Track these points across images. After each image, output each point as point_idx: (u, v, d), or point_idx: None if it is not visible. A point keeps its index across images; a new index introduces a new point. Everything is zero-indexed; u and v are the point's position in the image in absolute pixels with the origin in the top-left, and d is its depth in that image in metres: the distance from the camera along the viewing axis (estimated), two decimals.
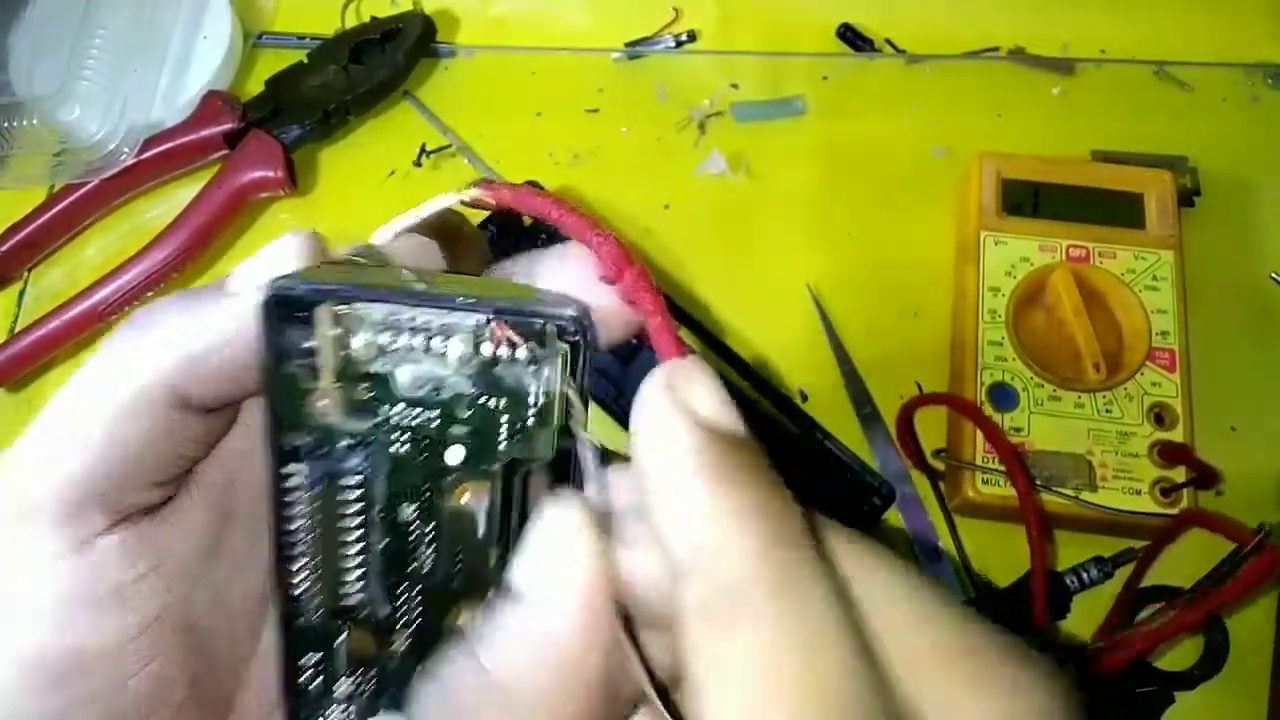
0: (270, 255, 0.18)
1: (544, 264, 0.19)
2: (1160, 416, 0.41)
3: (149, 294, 0.46)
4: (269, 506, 0.17)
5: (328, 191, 0.50)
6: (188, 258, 0.46)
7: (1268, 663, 0.39)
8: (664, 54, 0.53)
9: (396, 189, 0.50)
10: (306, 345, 0.17)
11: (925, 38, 0.53)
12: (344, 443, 0.17)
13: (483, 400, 0.17)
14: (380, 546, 0.18)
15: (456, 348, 0.17)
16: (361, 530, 0.18)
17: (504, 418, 0.17)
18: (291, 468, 0.17)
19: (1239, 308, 0.46)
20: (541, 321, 0.17)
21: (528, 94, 0.52)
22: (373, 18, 0.52)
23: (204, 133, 0.48)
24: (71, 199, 0.48)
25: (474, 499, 0.17)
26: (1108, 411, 0.41)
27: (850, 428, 0.44)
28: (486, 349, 0.17)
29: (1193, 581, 0.37)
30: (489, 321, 0.17)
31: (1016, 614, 0.39)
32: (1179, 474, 0.40)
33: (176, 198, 0.50)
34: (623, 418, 0.41)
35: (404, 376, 0.17)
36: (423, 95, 0.52)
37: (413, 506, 0.18)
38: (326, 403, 0.17)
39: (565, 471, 0.18)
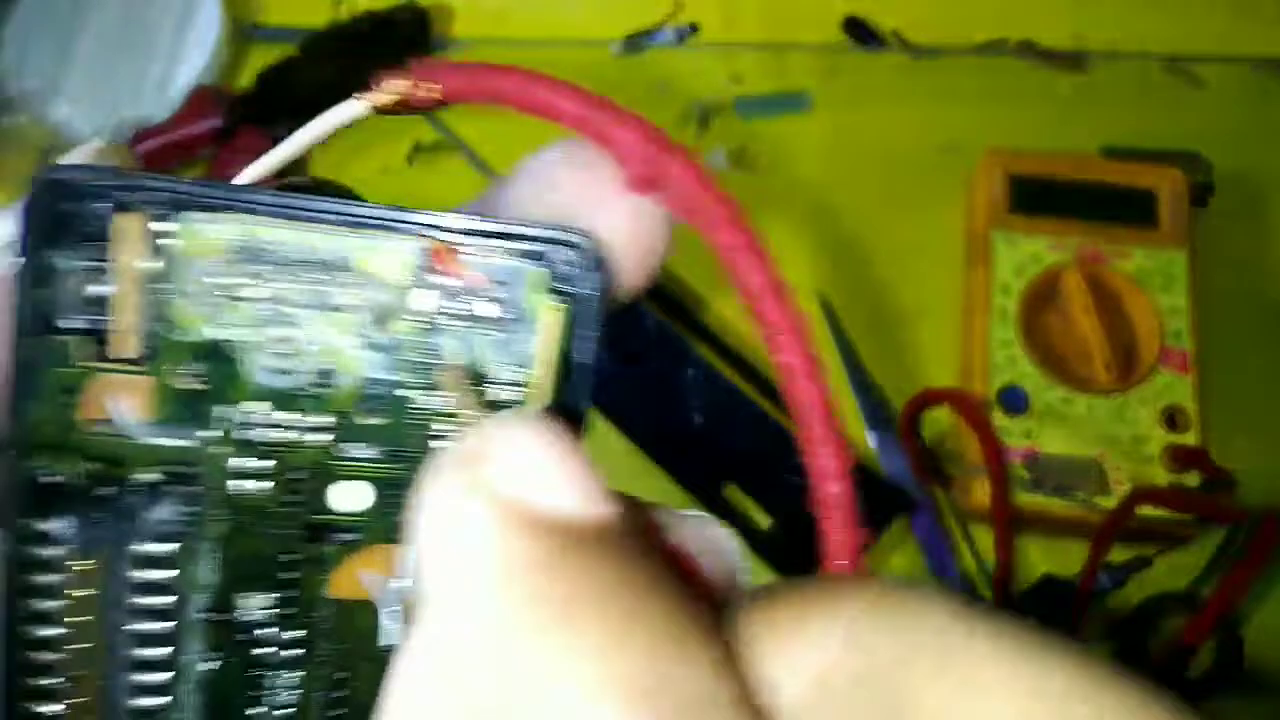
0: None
1: (518, 182, 0.12)
2: (1173, 419, 0.40)
3: None
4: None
5: None
6: None
7: None
8: (665, 47, 0.52)
9: (389, 185, 0.49)
10: (91, 289, 0.10)
11: (933, 31, 0.52)
12: (145, 476, 0.10)
13: (411, 391, 0.10)
14: (200, 672, 0.10)
15: (369, 295, 0.10)
16: (167, 642, 0.10)
17: (443, 422, 0.10)
18: (48, 524, 0.10)
19: (1252, 305, 0.45)
20: (521, 249, 0.10)
21: None
22: (367, 11, 0.51)
23: (194, 128, 0.48)
24: None
25: (378, 577, 0.10)
26: (1119, 415, 0.40)
27: (856, 430, 0.43)
28: (421, 297, 0.10)
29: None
30: (428, 247, 0.10)
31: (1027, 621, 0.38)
32: (1192, 478, 0.39)
33: None
34: (629, 433, 0.40)
35: (265, 350, 0.10)
36: None
37: (263, 596, 0.10)
38: (117, 398, 0.10)
39: None
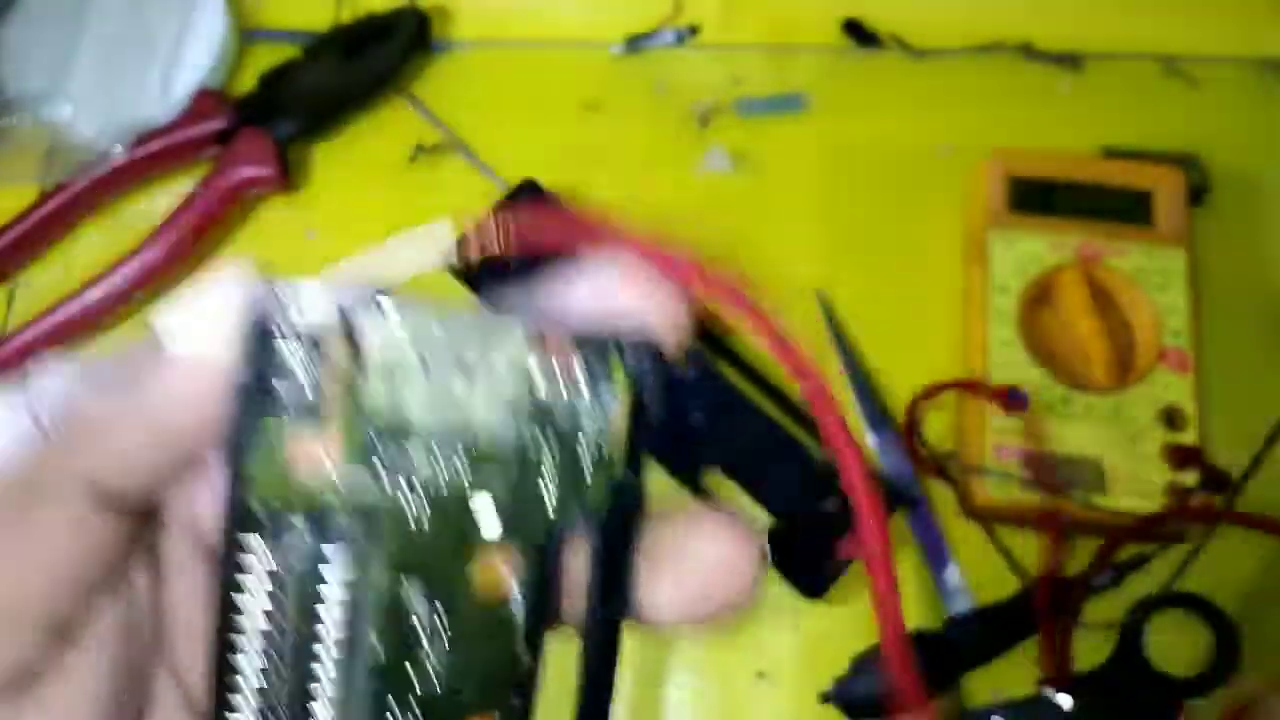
0: (206, 306, 0.14)
1: (564, 291, 0.14)
2: (1171, 418, 0.40)
3: (140, 293, 0.46)
4: (214, 612, 0.13)
5: (322, 189, 0.50)
6: (180, 256, 0.46)
7: None
8: (665, 48, 0.52)
9: (391, 186, 0.50)
10: (301, 374, 0.13)
11: (932, 33, 0.52)
12: (335, 508, 0.13)
13: (527, 445, 0.13)
14: (371, 660, 0.13)
15: (502, 375, 0.13)
16: (346, 639, 0.13)
17: (553, 468, 0.13)
18: (250, 549, 0.13)
19: (1250, 304, 0.46)
20: (608, 337, 0.13)
21: (525, 89, 0.51)
22: (368, 13, 0.52)
23: (196, 130, 0.48)
24: (63, 197, 0.47)
25: (505, 583, 0.13)
26: (1118, 414, 0.40)
27: (857, 430, 0.43)
28: (539, 376, 0.13)
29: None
30: (542, 335, 0.13)
31: (1024, 620, 0.38)
32: (1191, 478, 0.39)
33: (169, 196, 0.49)
34: (679, 469, 0.40)
35: (429, 413, 0.13)
36: (418, 91, 0.51)
37: (421, 599, 0.13)
38: (318, 452, 0.13)
39: (616, 539, 0.14)
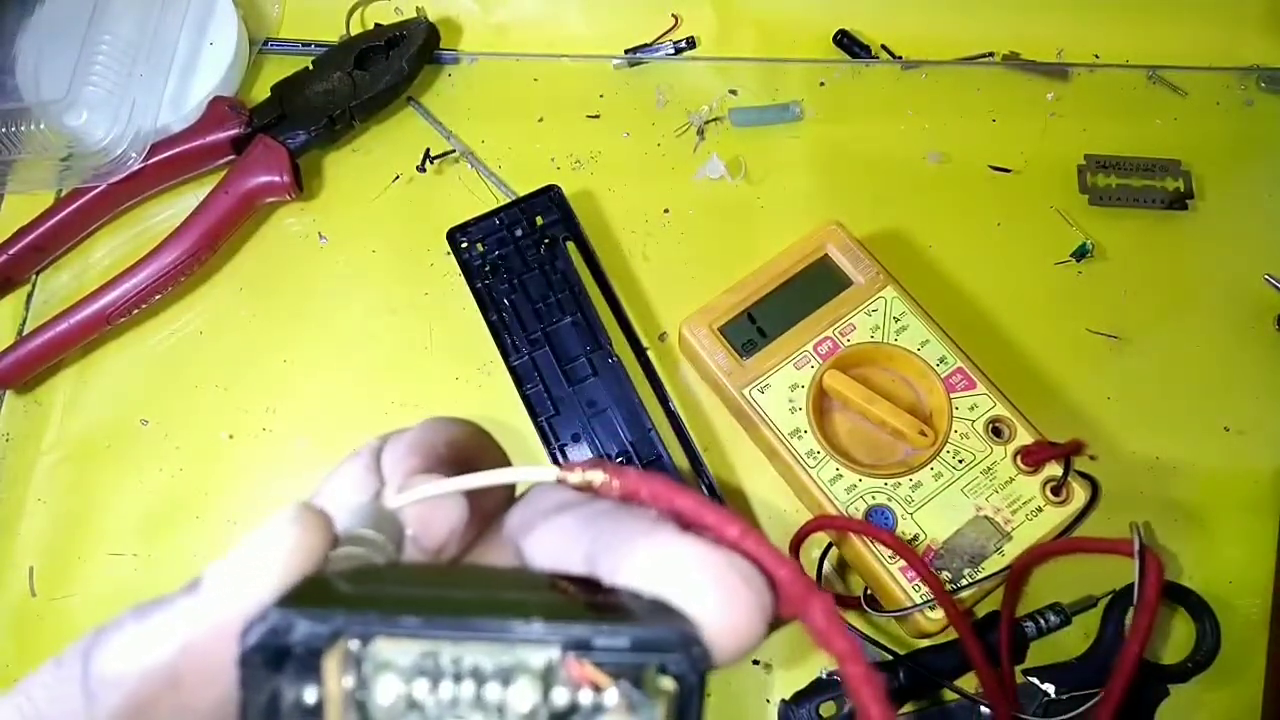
0: (258, 548, 0.13)
1: (624, 545, 0.13)
2: (998, 430, 0.40)
3: (156, 297, 0.47)
4: None
5: (333, 196, 0.51)
6: (195, 262, 0.47)
7: (1261, 653, 0.40)
8: (663, 60, 0.53)
9: (401, 193, 0.50)
10: (306, 704, 0.12)
11: (921, 43, 0.53)
12: None
13: None
14: None
15: (519, 697, 0.12)
16: None
17: None
18: None
19: (1233, 310, 0.47)
20: (641, 654, 0.12)
21: (530, 100, 0.52)
22: (377, 25, 0.53)
23: (210, 138, 0.48)
24: (79, 203, 0.48)
25: None
26: (961, 462, 0.40)
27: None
28: (560, 695, 0.12)
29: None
30: (563, 657, 0.12)
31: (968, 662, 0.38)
32: (1054, 469, 0.39)
33: (183, 202, 0.50)
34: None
35: None
36: (427, 101, 0.53)
37: None
38: None
39: None
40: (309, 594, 0.13)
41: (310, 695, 0.12)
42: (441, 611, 0.12)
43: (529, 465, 0.14)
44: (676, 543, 0.12)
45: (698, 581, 0.12)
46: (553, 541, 0.14)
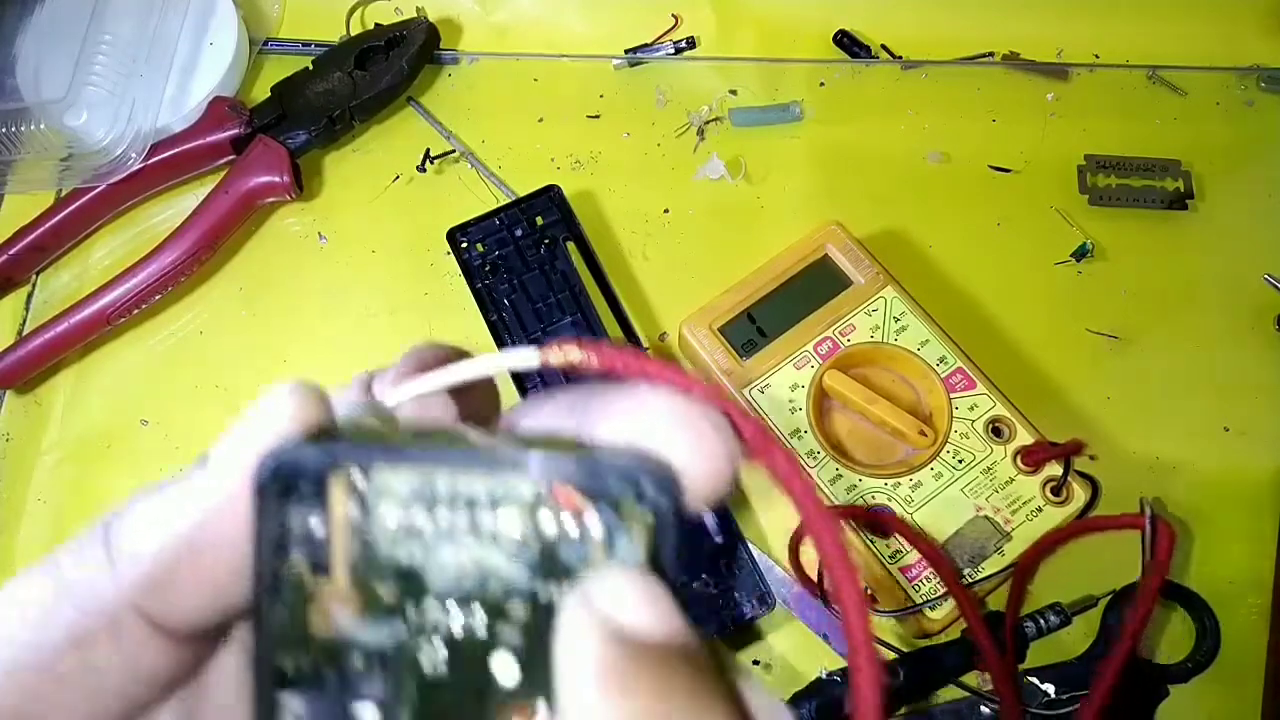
0: (258, 418, 0.14)
1: (604, 407, 0.14)
2: (998, 430, 0.40)
3: (156, 297, 0.47)
4: None
5: (333, 196, 0.51)
6: (194, 262, 0.47)
7: (1261, 654, 0.40)
8: (663, 60, 0.53)
9: (401, 193, 0.51)
10: (313, 532, 0.13)
11: (921, 44, 0.53)
12: (358, 663, 0.13)
13: (541, 594, 0.13)
14: None
15: (509, 522, 0.13)
16: None
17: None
18: (286, 702, 0.13)
19: (1233, 310, 0.47)
20: (618, 481, 0.13)
21: (530, 100, 0.52)
22: (377, 25, 0.53)
23: (210, 138, 0.49)
24: (79, 203, 0.48)
25: None
26: (961, 462, 0.39)
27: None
28: (547, 522, 0.13)
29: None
30: (550, 485, 0.13)
31: (970, 660, 0.38)
32: (1054, 469, 0.39)
33: (183, 203, 0.50)
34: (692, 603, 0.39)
35: (440, 567, 0.13)
36: (427, 101, 0.53)
37: None
38: (336, 608, 0.13)
39: None
40: (312, 440, 0.14)
41: (318, 526, 0.13)
42: (438, 444, 0.13)
43: (511, 350, 0.15)
44: (650, 394, 0.14)
45: (670, 427, 0.13)
46: (543, 422, 0.15)
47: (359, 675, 0.13)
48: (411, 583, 0.13)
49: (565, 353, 0.14)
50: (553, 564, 0.13)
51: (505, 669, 0.13)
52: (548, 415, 0.15)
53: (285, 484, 0.13)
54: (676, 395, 0.14)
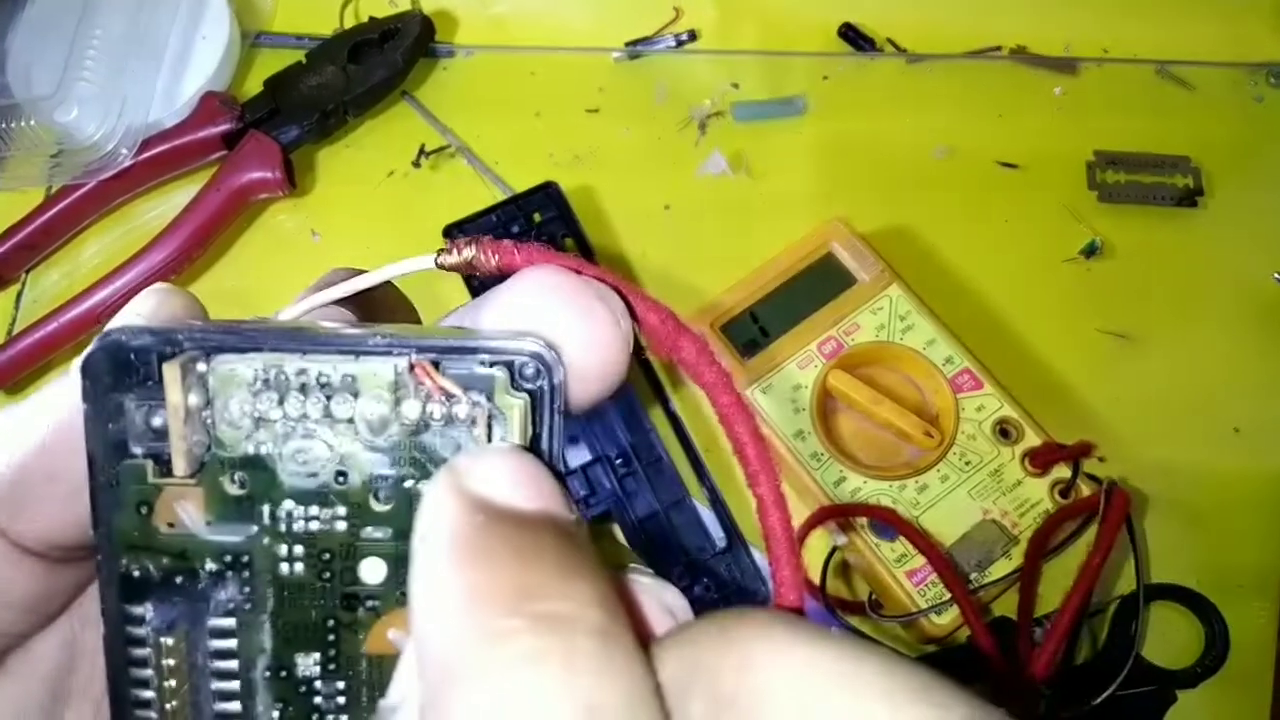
0: (114, 319, 0.13)
1: (494, 295, 0.14)
2: (1006, 432, 0.40)
3: None
4: (106, 669, 0.13)
5: (326, 192, 0.50)
6: (186, 259, 0.46)
7: (1271, 658, 0.39)
8: (664, 53, 0.53)
9: (395, 189, 0.50)
10: (151, 421, 0.12)
11: (927, 37, 0.53)
12: (209, 565, 0.12)
13: (408, 484, 0.12)
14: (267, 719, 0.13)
15: (368, 408, 0.12)
16: (239, 698, 0.13)
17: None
18: (135, 608, 0.12)
19: (1242, 307, 0.46)
20: (487, 360, 0.12)
21: (527, 94, 0.52)
22: (371, 17, 0.52)
23: (202, 133, 0.48)
24: (69, 200, 0.48)
25: (400, 634, 0.13)
26: (968, 464, 0.39)
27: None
28: (410, 407, 0.12)
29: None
30: (411, 366, 0.12)
31: (977, 663, 0.37)
32: (1063, 471, 0.39)
33: (175, 199, 0.49)
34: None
35: (293, 459, 0.12)
36: (421, 95, 0.52)
37: (313, 656, 0.13)
38: (181, 506, 0.12)
39: None
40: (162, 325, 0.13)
41: (157, 415, 0.12)
42: (288, 334, 0.12)
43: (408, 260, 0.14)
44: (534, 274, 0.13)
45: (552, 306, 0.13)
46: (449, 323, 0.15)
47: (212, 579, 0.12)
48: (263, 477, 0.12)
49: (461, 252, 0.14)
50: (421, 451, 0.12)
51: (372, 568, 0.12)
52: (454, 319, 0.15)
53: (116, 370, 0.12)
54: (562, 274, 0.13)
